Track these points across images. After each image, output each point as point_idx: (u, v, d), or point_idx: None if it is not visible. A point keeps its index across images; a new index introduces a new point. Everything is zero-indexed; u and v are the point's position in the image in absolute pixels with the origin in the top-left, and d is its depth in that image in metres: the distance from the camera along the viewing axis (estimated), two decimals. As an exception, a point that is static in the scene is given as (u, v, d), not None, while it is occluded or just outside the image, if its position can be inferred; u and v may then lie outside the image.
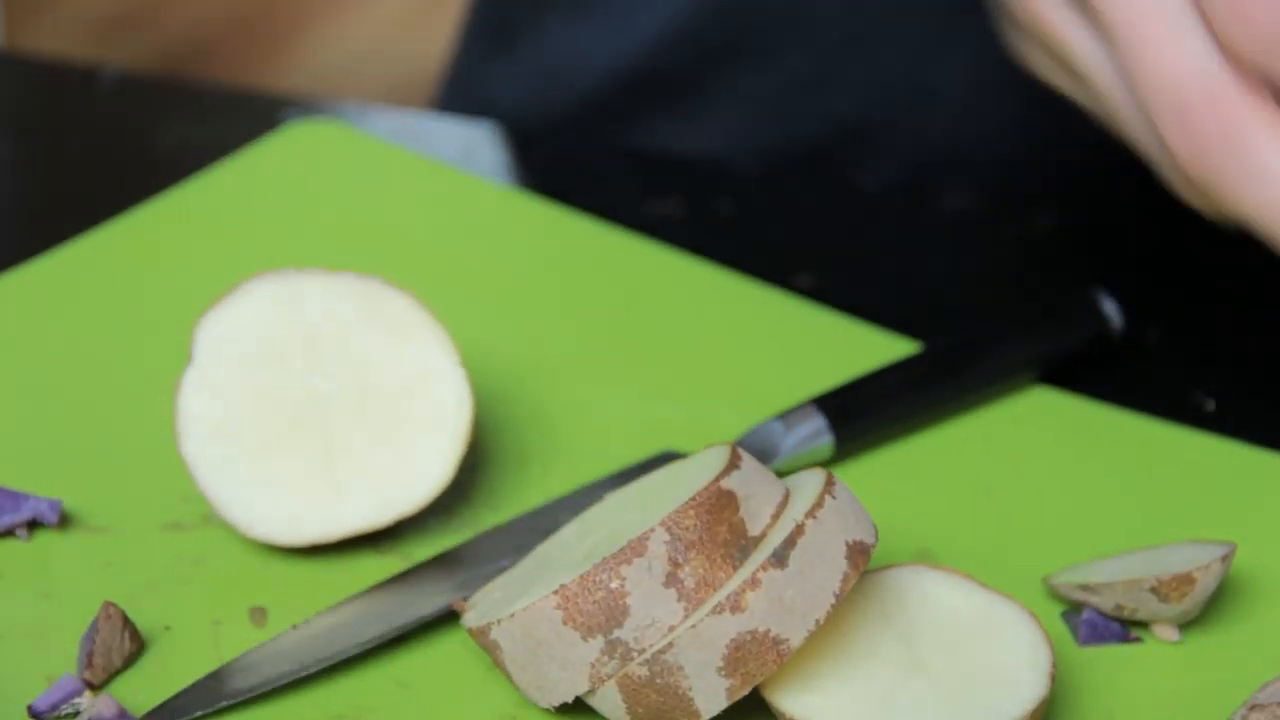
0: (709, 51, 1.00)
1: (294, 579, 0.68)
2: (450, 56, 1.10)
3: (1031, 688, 0.62)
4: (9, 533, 0.69)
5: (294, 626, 0.66)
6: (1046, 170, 0.99)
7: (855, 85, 0.98)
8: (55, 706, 0.63)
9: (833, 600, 0.61)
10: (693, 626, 0.60)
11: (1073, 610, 0.68)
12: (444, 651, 0.66)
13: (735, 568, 0.62)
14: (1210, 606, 0.68)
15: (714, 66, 1.00)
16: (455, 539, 0.70)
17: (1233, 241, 0.90)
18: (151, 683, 0.64)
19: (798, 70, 0.99)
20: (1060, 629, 0.68)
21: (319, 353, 0.70)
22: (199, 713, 0.63)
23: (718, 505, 0.62)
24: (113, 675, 0.64)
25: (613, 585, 0.61)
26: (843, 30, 0.98)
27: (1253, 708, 0.63)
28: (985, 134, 0.98)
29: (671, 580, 0.61)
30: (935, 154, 0.98)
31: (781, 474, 0.70)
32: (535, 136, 0.97)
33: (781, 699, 0.61)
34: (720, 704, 0.61)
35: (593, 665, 0.61)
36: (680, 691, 0.60)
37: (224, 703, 0.63)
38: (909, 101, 0.98)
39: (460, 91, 1.07)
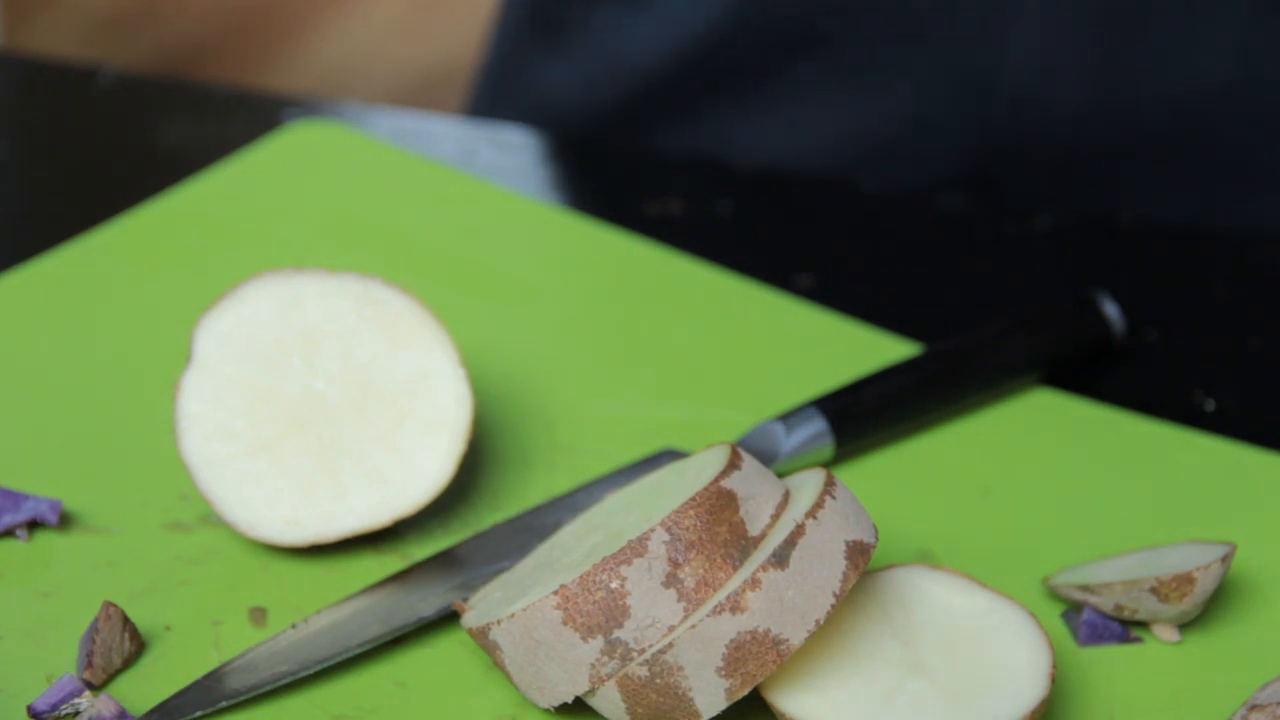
0: (766, 44, 0.99)
1: (294, 579, 0.68)
2: (489, 54, 1.09)
3: (1031, 688, 0.62)
4: (9, 533, 0.69)
5: (294, 626, 0.66)
6: (1044, 170, 0.99)
7: (913, 78, 0.98)
8: (55, 706, 0.63)
9: (833, 600, 0.61)
10: (693, 627, 0.60)
11: (1073, 610, 0.68)
12: (444, 651, 0.66)
13: (735, 568, 0.62)
14: (1210, 606, 0.68)
15: (771, 59, 1.00)
16: (455, 539, 0.70)
17: (1232, 243, 0.90)
18: (151, 683, 0.64)
19: (865, 66, 0.99)
20: (1060, 629, 0.68)
21: (319, 353, 0.70)
22: (199, 712, 0.63)
23: (718, 505, 0.62)
24: (113, 675, 0.64)
25: (613, 585, 0.61)
26: (899, 21, 0.97)
27: (1253, 708, 0.63)
28: (1046, 120, 0.97)
29: (671, 580, 0.61)
30: (996, 144, 0.98)
31: (782, 474, 0.70)
32: (534, 137, 0.97)
33: (781, 699, 0.61)
34: (720, 704, 0.61)
35: (593, 665, 0.61)
36: (680, 692, 0.60)
37: (224, 702, 0.63)
38: (964, 95, 0.98)
39: (504, 89, 1.07)
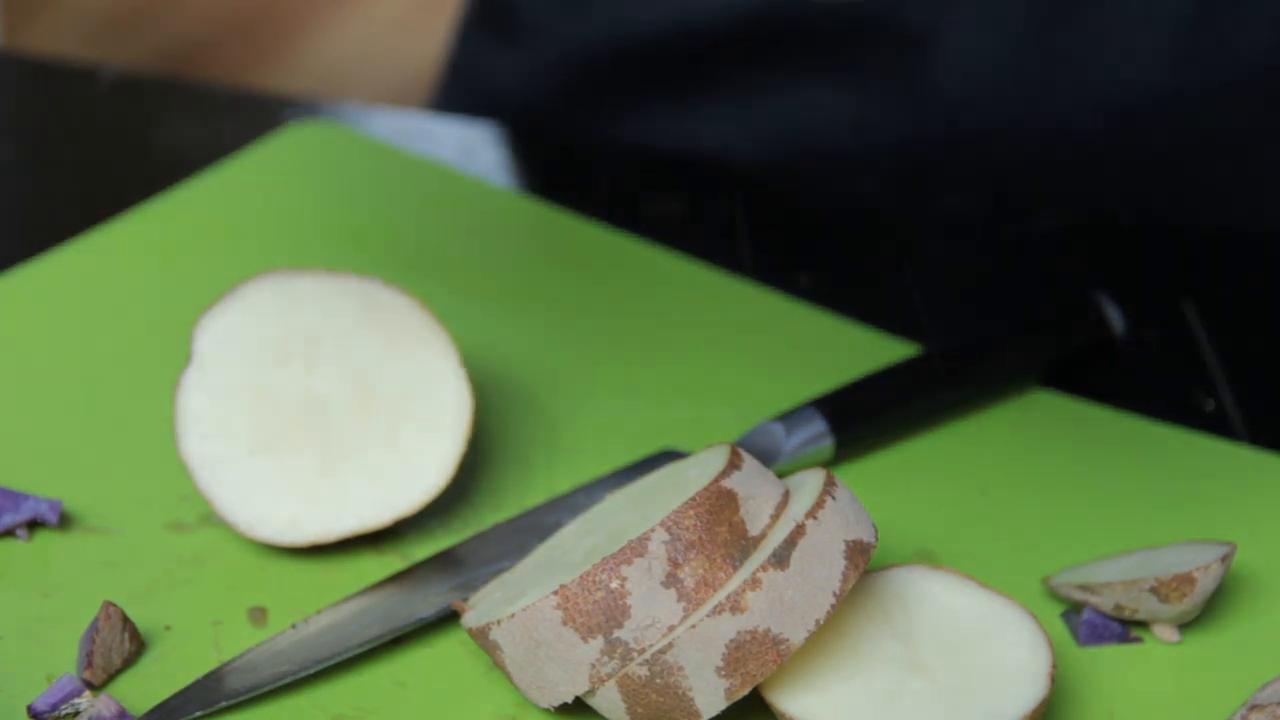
0: (706, 46, 1.00)
1: (294, 579, 0.68)
2: (449, 49, 1.10)
3: (1031, 688, 0.62)
4: (9, 533, 0.69)
5: (293, 626, 0.66)
6: (1046, 171, 0.99)
7: (851, 83, 0.99)
8: (55, 706, 0.63)
9: (833, 600, 0.61)
10: (692, 627, 0.60)
11: (1073, 610, 0.68)
12: (444, 651, 0.66)
13: (735, 568, 0.62)
14: (1210, 606, 0.68)
15: (711, 60, 1.00)
16: (455, 539, 0.70)
17: (1232, 243, 0.90)
18: (151, 683, 0.64)
19: (807, 66, 0.99)
20: (1060, 629, 0.68)
21: (319, 353, 0.70)
22: (198, 712, 0.63)
23: (718, 505, 0.62)
24: (113, 675, 0.64)
25: (613, 585, 0.61)
26: (839, 27, 0.98)
27: (1253, 708, 0.63)
28: (989, 134, 0.98)
29: (671, 580, 0.61)
30: (936, 154, 0.99)
31: (782, 475, 0.70)
32: (535, 137, 0.97)
33: (781, 699, 0.61)
34: (720, 704, 0.61)
35: (593, 665, 0.61)
36: (680, 691, 0.60)
37: (224, 702, 0.63)
38: (909, 101, 0.98)
39: (461, 84, 1.07)
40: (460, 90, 1.07)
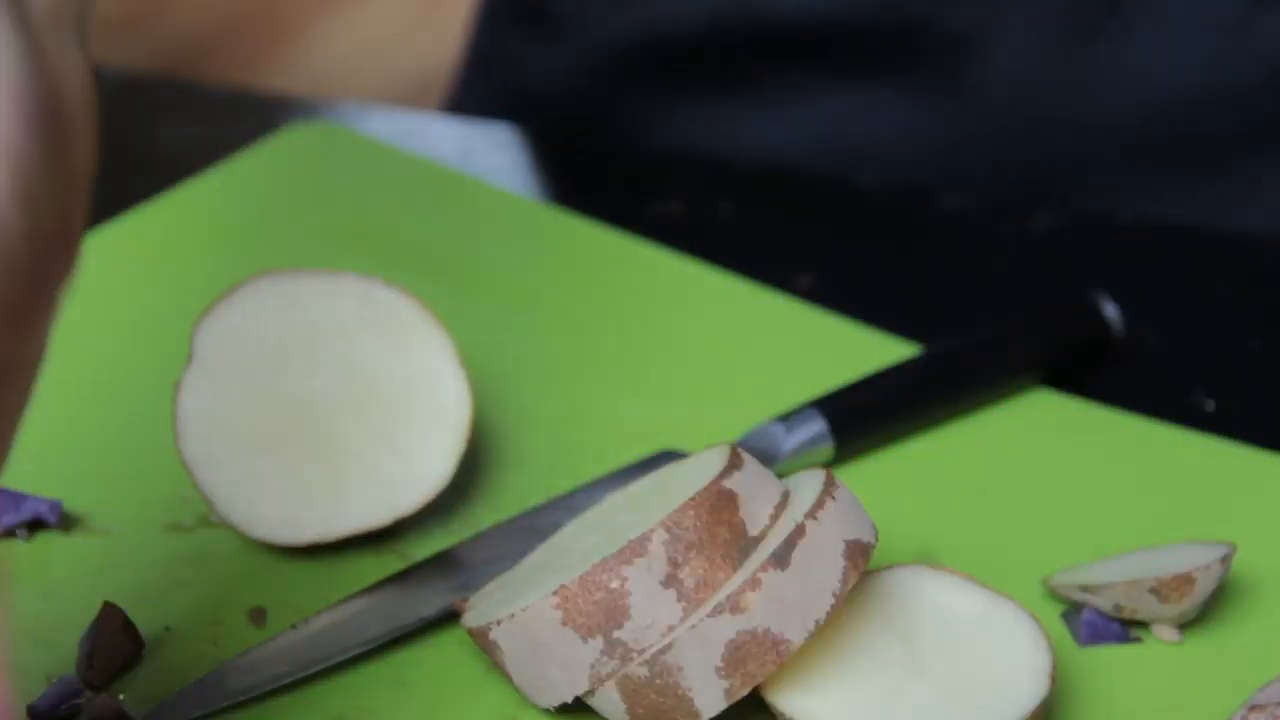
0: (748, 44, 0.99)
1: (294, 579, 0.68)
2: (471, 42, 1.09)
3: (1031, 688, 0.62)
4: (9, 533, 0.69)
5: (294, 626, 0.66)
6: (1046, 170, 0.99)
7: (896, 85, 0.98)
8: (55, 706, 0.63)
9: (833, 600, 0.61)
10: (692, 627, 0.60)
11: (1073, 611, 0.68)
12: (444, 651, 0.66)
13: (735, 568, 0.62)
14: (1210, 607, 0.68)
15: (754, 59, 1.00)
16: (455, 539, 0.70)
17: (1232, 243, 0.90)
18: (151, 683, 0.64)
19: (850, 69, 0.99)
20: (1060, 629, 0.68)
21: (319, 353, 0.70)
22: (199, 713, 0.63)
23: (718, 505, 0.62)
24: (113, 675, 0.64)
25: (612, 585, 0.61)
26: (885, 28, 0.98)
27: (1253, 708, 0.63)
28: (1026, 128, 0.98)
29: (671, 580, 0.61)
30: (975, 151, 0.98)
31: (782, 475, 0.70)
32: (535, 137, 0.97)
33: (781, 699, 0.61)
34: (720, 704, 0.61)
35: (592, 666, 0.61)
36: (680, 692, 0.60)
37: (224, 703, 0.63)
38: (954, 104, 0.98)
39: (486, 79, 1.06)
40: (484, 85, 1.06)
